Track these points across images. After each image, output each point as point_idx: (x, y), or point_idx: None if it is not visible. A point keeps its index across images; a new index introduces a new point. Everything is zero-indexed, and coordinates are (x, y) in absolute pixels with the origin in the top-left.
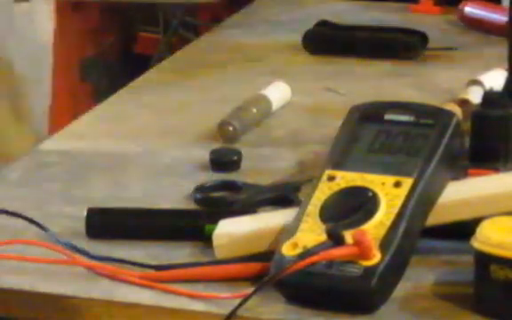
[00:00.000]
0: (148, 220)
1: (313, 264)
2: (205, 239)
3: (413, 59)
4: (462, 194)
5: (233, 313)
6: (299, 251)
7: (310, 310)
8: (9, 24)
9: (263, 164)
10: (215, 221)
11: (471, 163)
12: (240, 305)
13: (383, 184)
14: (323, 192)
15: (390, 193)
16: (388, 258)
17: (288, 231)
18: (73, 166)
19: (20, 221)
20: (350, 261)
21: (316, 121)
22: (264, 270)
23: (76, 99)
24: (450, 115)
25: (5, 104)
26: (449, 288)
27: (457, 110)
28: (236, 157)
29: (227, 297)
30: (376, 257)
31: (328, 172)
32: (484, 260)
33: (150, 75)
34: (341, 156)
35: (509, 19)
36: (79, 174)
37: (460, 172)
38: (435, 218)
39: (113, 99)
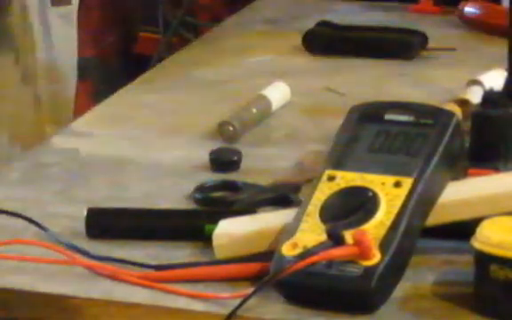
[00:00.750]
0: (148, 220)
1: (313, 264)
2: (205, 239)
3: (413, 59)
4: (462, 194)
5: (233, 313)
6: (299, 251)
7: (310, 310)
8: (45, 27)
9: (263, 163)
10: (215, 221)
11: (471, 163)
12: (240, 305)
13: (383, 184)
14: (323, 192)
15: (390, 193)
16: (387, 258)
17: (288, 231)
18: (73, 166)
19: (20, 221)
20: (350, 261)
21: (315, 121)
22: (264, 270)
23: (76, 98)
24: (450, 115)
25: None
26: (449, 288)
27: (457, 110)
28: (236, 157)
29: (227, 297)
30: (376, 257)
31: (328, 172)
32: (484, 260)
33: (150, 75)
34: (341, 156)
35: (509, 19)
36: (79, 174)
37: (459, 172)
38: (435, 218)
39: (113, 99)
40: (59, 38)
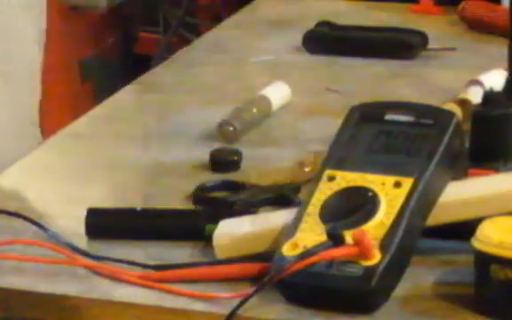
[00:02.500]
0: (147, 220)
1: (313, 264)
2: (205, 239)
3: (413, 59)
4: (462, 194)
5: (233, 313)
6: (299, 251)
7: (310, 310)
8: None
9: (263, 163)
10: (215, 221)
11: (471, 163)
12: (240, 305)
13: (383, 184)
14: (323, 192)
15: (390, 193)
16: (388, 258)
17: (288, 231)
18: (73, 166)
19: (20, 221)
20: (350, 261)
21: (316, 121)
22: (264, 270)
23: (76, 99)
24: (450, 115)
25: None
26: (449, 288)
27: (457, 110)
28: (236, 157)
29: (227, 297)
30: (376, 257)
31: (328, 172)
32: (485, 260)
33: (150, 75)
34: (341, 156)
35: (510, 19)
36: (79, 174)
37: (459, 172)
38: (435, 218)
39: (113, 99)
40: (22, 32)
